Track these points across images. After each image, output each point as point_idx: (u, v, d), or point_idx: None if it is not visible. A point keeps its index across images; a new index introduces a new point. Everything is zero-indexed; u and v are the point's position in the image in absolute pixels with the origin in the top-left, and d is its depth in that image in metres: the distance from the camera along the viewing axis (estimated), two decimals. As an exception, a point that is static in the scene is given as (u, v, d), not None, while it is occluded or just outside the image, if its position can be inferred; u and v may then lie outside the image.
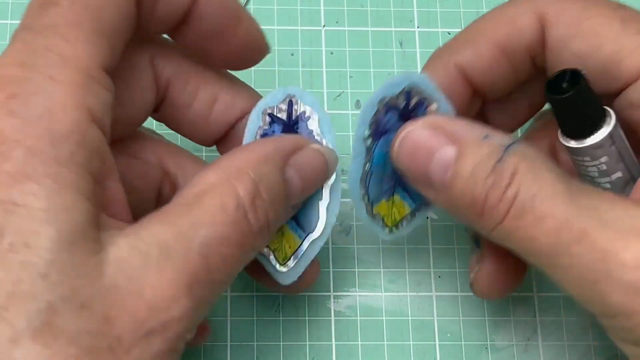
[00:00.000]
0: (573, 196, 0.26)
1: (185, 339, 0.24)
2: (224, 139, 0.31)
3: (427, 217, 0.36)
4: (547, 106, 0.32)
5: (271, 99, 0.30)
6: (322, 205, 0.31)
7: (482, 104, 0.32)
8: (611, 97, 0.29)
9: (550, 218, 0.25)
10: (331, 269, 0.35)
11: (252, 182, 0.26)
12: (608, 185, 0.28)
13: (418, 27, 0.38)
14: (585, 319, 0.35)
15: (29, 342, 0.22)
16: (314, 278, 0.32)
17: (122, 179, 0.26)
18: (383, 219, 0.31)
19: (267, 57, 0.37)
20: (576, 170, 0.29)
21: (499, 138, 0.27)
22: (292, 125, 0.31)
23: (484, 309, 0.35)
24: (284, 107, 0.30)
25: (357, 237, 0.35)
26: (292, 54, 0.38)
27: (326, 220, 0.31)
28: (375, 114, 0.29)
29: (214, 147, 0.31)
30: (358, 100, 0.37)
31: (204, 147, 0.32)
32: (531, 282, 0.35)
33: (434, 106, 0.30)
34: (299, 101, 0.30)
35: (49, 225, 0.22)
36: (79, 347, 0.22)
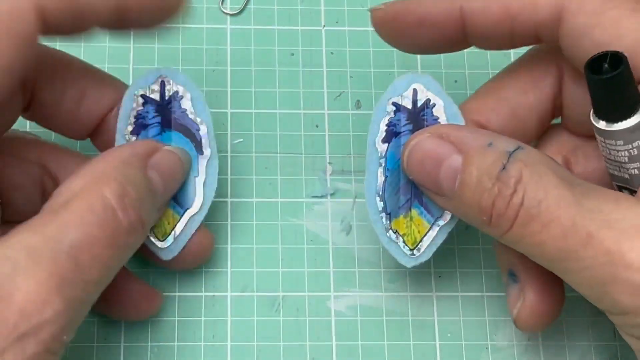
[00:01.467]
0: (578, 199, 0.26)
1: (62, 340, 0.25)
2: (97, 131, 0.32)
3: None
4: (556, 120, 0.32)
5: (143, 81, 0.32)
6: (199, 181, 0.32)
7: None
8: None
9: (556, 223, 0.26)
10: (331, 269, 0.35)
11: (118, 183, 0.27)
12: (636, 171, 0.28)
13: (418, 27, 0.38)
14: (585, 319, 0.35)
15: None
16: (205, 252, 0.33)
17: (2, 177, 0.27)
18: (403, 239, 0.32)
19: (267, 57, 0.38)
20: (602, 156, 0.29)
21: (503, 144, 0.27)
22: (165, 105, 0.32)
23: (484, 309, 0.35)
24: (157, 88, 0.32)
25: (357, 237, 0.35)
26: (292, 54, 0.38)
27: (204, 195, 0.32)
28: (385, 117, 0.31)
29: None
30: (358, 101, 0.37)
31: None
32: (531, 282, 0.35)
33: (440, 105, 0.31)
34: (171, 81, 0.32)
35: None
36: None
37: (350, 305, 0.34)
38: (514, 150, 0.27)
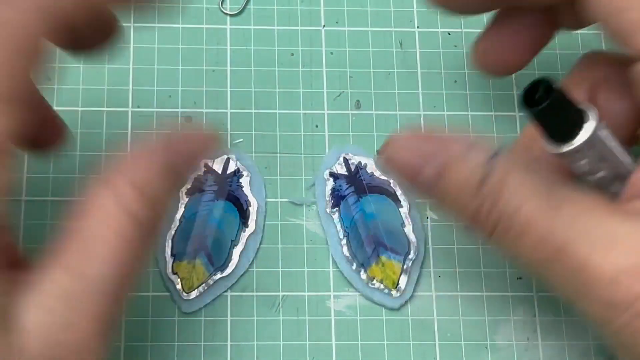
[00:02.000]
0: (556, 206, 0.26)
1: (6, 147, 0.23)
2: None
3: (427, 217, 0.36)
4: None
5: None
6: (237, 250, 0.34)
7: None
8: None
9: (533, 231, 0.25)
10: (331, 269, 0.35)
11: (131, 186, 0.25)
12: (598, 178, 0.28)
13: (418, 27, 0.38)
14: (585, 319, 0.35)
15: None
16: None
17: None
18: (383, 284, 0.34)
19: (267, 57, 0.38)
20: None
21: (483, 150, 0.27)
22: (224, 178, 0.35)
23: (484, 309, 0.35)
24: (221, 162, 0.35)
25: (357, 237, 0.35)
26: (292, 54, 0.38)
27: (238, 263, 0.34)
28: (327, 187, 0.35)
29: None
30: (358, 101, 0.37)
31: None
32: (531, 282, 0.35)
33: (370, 164, 0.35)
34: (237, 162, 0.35)
35: None
36: None
37: (350, 305, 0.34)
38: (494, 155, 0.27)
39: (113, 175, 0.26)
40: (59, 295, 0.24)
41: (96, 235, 0.25)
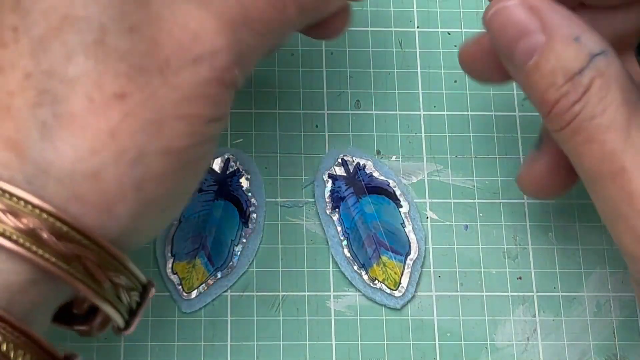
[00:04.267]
0: (630, 130, 0.26)
1: (234, 75, 0.26)
2: None
3: (427, 217, 0.36)
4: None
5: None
6: (237, 250, 0.34)
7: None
8: None
9: (598, 144, 0.26)
10: (331, 269, 0.35)
11: None
12: None
13: (418, 27, 0.38)
14: (585, 319, 0.35)
15: (83, 58, 0.23)
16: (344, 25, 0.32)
17: None
18: (385, 284, 0.34)
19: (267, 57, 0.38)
20: None
21: (590, 43, 0.27)
22: (224, 178, 0.35)
23: (484, 309, 0.35)
24: (221, 162, 0.35)
25: (357, 237, 0.35)
26: (292, 54, 0.38)
27: (237, 263, 0.34)
28: (326, 188, 0.35)
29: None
30: (358, 101, 0.37)
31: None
32: (531, 282, 0.35)
33: (370, 164, 0.35)
34: (237, 161, 0.35)
35: None
36: (129, 64, 0.24)
37: (350, 305, 0.34)
38: (597, 55, 0.26)
39: None
40: None
41: None
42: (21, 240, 0.22)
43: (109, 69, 0.23)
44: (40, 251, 0.23)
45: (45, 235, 0.22)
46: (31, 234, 0.22)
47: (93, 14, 0.23)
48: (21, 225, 0.22)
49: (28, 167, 0.23)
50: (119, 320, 0.25)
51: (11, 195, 0.22)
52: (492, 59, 0.30)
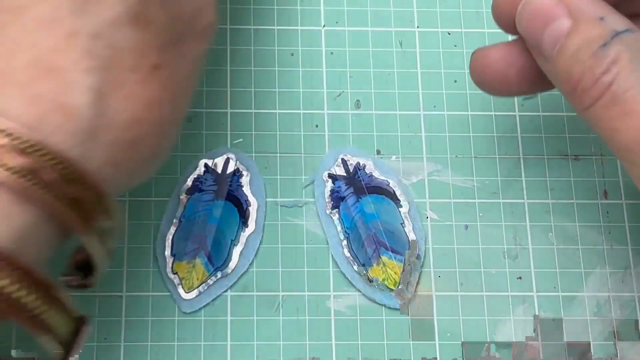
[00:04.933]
0: None
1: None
2: None
3: (427, 217, 0.36)
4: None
5: (212, 154, 0.35)
6: (237, 250, 0.34)
7: None
8: None
9: (636, 115, 0.26)
10: (331, 269, 0.35)
11: None
12: None
13: (418, 27, 0.38)
14: (585, 319, 0.35)
15: (129, 26, 0.24)
16: None
17: None
18: (384, 284, 0.34)
19: (267, 57, 0.38)
20: None
21: (615, 22, 0.27)
22: (224, 178, 0.35)
23: (484, 309, 0.35)
24: (221, 162, 0.35)
25: (357, 237, 0.35)
26: (292, 54, 0.38)
27: (237, 263, 0.34)
28: (326, 188, 0.35)
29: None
30: (358, 100, 0.37)
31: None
32: (531, 282, 0.35)
33: (370, 164, 0.35)
34: (237, 161, 0.35)
35: None
36: (163, 37, 0.25)
37: (350, 305, 0.34)
38: (623, 32, 0.27)
39: None
40: None
41: None
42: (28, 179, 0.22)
43: (150, 40, 0.24)
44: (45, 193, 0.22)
45: (49, 175, 0.22)
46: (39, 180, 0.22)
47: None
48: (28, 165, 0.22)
49: (79, 131, 0.23)
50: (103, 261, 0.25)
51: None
52: (510, 69, 0.30)
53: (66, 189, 0.23)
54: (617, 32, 0.27)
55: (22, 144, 0.22)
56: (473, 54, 0.31)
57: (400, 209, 0.35)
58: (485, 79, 0.31)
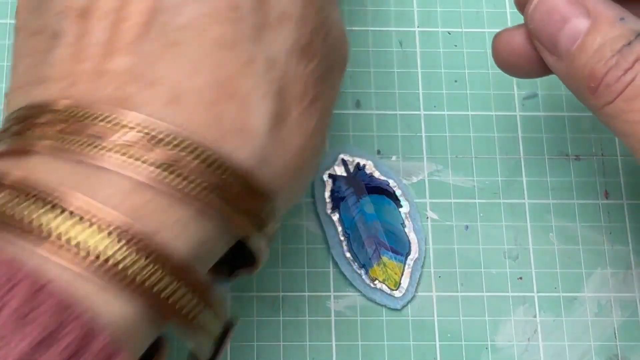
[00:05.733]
0: None
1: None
2: None
3: (427, 217, 0.36)
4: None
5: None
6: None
7: None
8: None
9: None
10: (331, 269, 0.35)
11: None
12: None
13: (418, 27, 0.38)
14: (585, 319, 0.35)
15: (299, 56, 0.24)
16: None
17: None
18: (385, 284, 0.34)
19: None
20: None
21: (635, 23, 0.27)
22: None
23: (484, 309, 0.35)
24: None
25: (357, 237, 0.35)
26: (292, 54, 0.38)
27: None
28: (326, 188, 0.35)
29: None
30: (358, 100, 0.37)
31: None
32: (531, 282, 0.35)
33: (370, 164, 0.36)
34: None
35: None
36: (321, 70, 0.25)
37: (350, 305, 0.34)
38: None
39: None
40: None
41: None
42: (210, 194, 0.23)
43: (314, 71, 0.25)
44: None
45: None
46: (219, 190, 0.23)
47: (309, 16, 0.25)
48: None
49: (256, 155, 0.23)
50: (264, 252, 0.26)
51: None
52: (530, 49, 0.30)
53: (248, 204, 0.23)
54: (639, 32, 0.27)
55: (210, 159, 0.22)
56: (496, 36, 0.31)
57: (400, 209, 0.35)
58: (511, 61, 0.31)
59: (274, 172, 0.24)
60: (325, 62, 0.25)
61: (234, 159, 0.23)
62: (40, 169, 0.22)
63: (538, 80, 0.37)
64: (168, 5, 0.24)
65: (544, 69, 0.30)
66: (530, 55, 0.30)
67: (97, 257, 0.21)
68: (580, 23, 0.28)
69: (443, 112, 0.37)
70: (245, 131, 0.23)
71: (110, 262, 0.21)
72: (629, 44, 0.27)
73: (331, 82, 0.26)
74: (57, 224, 0.21)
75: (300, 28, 0.24)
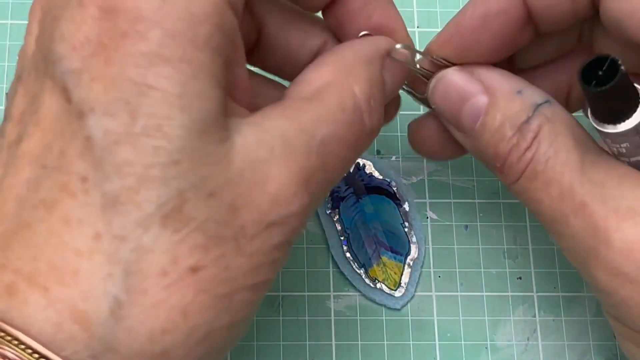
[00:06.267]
0: (585, 166, 0.26)
1: (300, 233, 0.25)
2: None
3: (427, 217, 0.36)
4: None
5: None
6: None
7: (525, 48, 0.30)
8: None
9: (556, 184, 0.26)
10: (331, 269, 0.35)
11: (367, 82, 0.26)
12: (632, 161, 0.28)
13: (418, 27, 0.38)
14: (585, 319, 0.35)
15: (158, 227, 0.21)
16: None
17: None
18: (385, 284, 0.34)
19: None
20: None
21: (533, 95, 0.27)
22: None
23: (484, 309, 0.35)
24: None
25: (357, 237, 0.35)
26: (292, 54, 0.38)
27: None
28: None
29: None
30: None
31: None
32: (531, 282, 0.35)
33: (369, 164, 0.36)
34: None
35: (183, 111, 0.22)
36: (206, 235, 0.22)
37: (350, 305, 0.34)
38: (541, 104, 0.27)
39: (353, 66, 0.26)
40: (279, 137, 0.23)
41: (326, 107, 0.25)
42: None
43: (185, 240, 0.22)
44: None
45: None
46: None
47: (171, 180, 0.21)
48: None
49: (95, 342, 0.21)
50: None
51: None
52: (443, 136, 0.30)
53: None
54: (537, 104, 0.27)
55: (35, 357, 0.21)
56: (409, 126, 0.32)
57: (400, 209, 0.35)
58: (425, 148, 0.32)
59: None
60: (216, 227, 0.22)
61: (64, 352, 0.21)
62: None
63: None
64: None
65: (457, 151, 0.31)
66: (441, 141, 0.30)
67: None
68: (479, 100, 0.28)
69: (443, 112, 0.37)
70: (82, 317, 0.21)
71: None
72: (527, 120, 0.27)
73: (238, 246, 0.23)
74: None
75: (165, 193, 0.22)
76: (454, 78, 0.28)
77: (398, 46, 0.28)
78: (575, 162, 0.26)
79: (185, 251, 0.22)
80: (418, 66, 0.29)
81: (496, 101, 0.27)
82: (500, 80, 0.28)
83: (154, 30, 0.22)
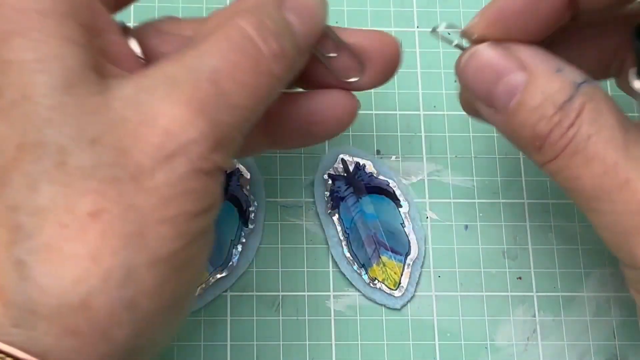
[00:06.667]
0: (628, 144, 0.26)
1: (214, 161, 0.24)
2: None
3: (427, 217, 0.36)
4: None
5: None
6: (237, 250, 0.34)
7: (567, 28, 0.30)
8: None
9: (598, 161, 0.26)
10: (331, 269, 0.35)
11: (253, 15, 0.26)
12: None
13: (418, 27, 0.38)
14: (585, 319, 0.35)
15: (47, 185, 0.22)
16: (349, 117, 0.31)
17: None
18: (385, 284, 0.34)
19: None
20: None
21: (572, 74, 0.27)
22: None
23: (484, 309, 0.35)
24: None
25: (357, 237, 0.35)
26: (292, 54, 0.38)
27: (237, 262, 0.34)
28: (326, 188, 0.35)
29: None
30: (358, 101, 0.37)
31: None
32: (531, 282, 0.35)
33: (369, 164, 0.36)
34: (237, 161, 0.35)
35: (43, 73, 0.23)
36: (97, 180, 0.22)
37: (350, 305, 0.34)
38: (582, 83, 0.27)
39: (241, 8, 0.26)
40: (161, 77, 0.24)
41: (210, 43, 0.25)
42: None
43: (76, 190, 0.22)
44: None
45: None
46: None
47: (49, 137, 0.22)
48: None
49: (13, 310, 0.22)
50: None
51: None
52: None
53: None
54: (577, 83, 0.27)
55: None
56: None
57: (400, 209, 0.35)
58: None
59: (47, 321, 0.22)
60: (104, 173, 0.23)
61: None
62: None
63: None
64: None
65: None
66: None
67: None
68: (516, 77, 0.27)
69: (442, 112, 0.37)
70: None
71: None
72: (570, 99, 0.26)
73: (123, 191, 0.23)
74: None
75: (44, 153, 0.22)
76: (489, 54, 0.28)
77: (442, 25, 0.28)
78: (618, 139, 0.26)
79: (79, 200, 0.22)
80: (456, 43, 0.29)
81: (535, 79, 0.27)
82: (540, 58, 0.27)
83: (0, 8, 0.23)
